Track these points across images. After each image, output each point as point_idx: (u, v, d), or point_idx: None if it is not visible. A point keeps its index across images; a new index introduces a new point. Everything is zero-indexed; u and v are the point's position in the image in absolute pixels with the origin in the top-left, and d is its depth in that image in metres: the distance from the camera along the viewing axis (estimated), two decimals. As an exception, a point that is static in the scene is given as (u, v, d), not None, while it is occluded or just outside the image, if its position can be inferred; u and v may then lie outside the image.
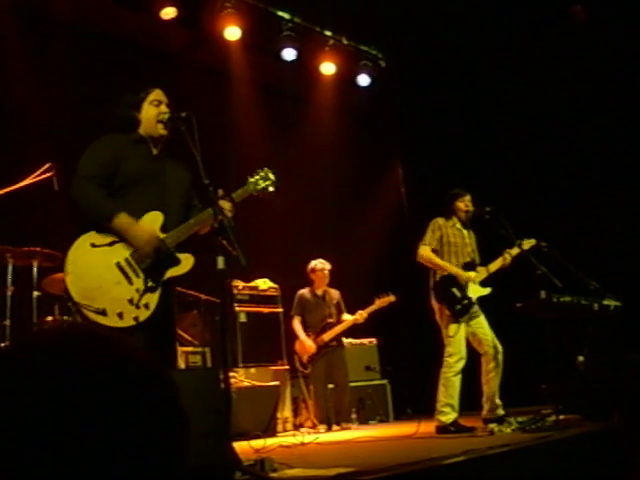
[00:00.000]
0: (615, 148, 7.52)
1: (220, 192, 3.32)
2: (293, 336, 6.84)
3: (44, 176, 4.66)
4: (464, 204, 5.40)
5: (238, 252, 3.08)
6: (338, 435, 5.83)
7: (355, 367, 7.29)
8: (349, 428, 6.45)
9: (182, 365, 5.92)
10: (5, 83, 5.88)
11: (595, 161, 7.55)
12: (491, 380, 5.11)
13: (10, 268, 4.86)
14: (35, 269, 4.95)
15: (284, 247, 7.59)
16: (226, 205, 3.34)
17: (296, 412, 6.73)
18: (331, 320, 6.75)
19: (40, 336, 0.74)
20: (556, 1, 7.58)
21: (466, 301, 5.14)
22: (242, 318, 6.65)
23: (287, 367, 6.78)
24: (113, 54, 6.81)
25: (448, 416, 4.97)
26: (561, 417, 4.56)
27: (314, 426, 6.45)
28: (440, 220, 5.39)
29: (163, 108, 3.47)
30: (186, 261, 3.35)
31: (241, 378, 6.28)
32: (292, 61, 7.85)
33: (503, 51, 8.04)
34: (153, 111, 3.46)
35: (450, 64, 8.31)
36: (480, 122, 8.37)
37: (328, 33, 8.22)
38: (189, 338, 6.34)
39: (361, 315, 6.72)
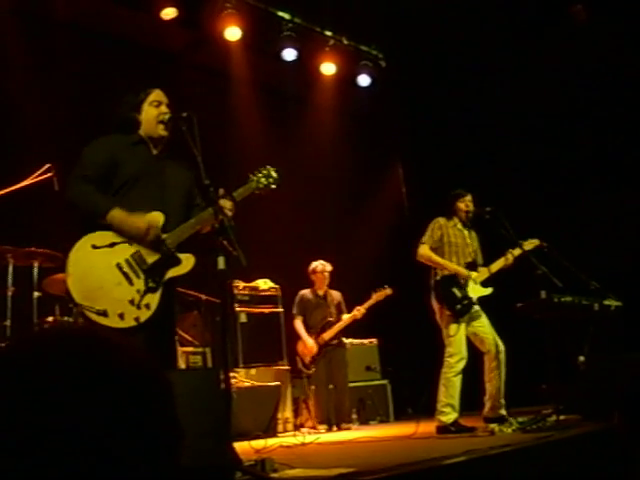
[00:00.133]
0: (615, 148, 7.52)
1: (221, 191, 3.32)
2: (294, 336, 6.84)
3: (44, 177, 4.66)
4: (465, 204, 5.40)
5: (239, 252, 3.08)
6: (339, 435, 5.83)
7: (355, 367, 7.29)
8: (349, 428, 6.45)
9: (183, 365, 5.92)
10: (5, 83, 5.88)
11: (595, 161, 7.54)
12: (494, 379, 5.10)
13: (10, 268, 4.86)
14: (35, 269, 4.95)
15: (284, 247, 7.59)
16: (227, 204, 3.34)
17: (297, 412, 6.73)
18: (331, 319, 6.75)
19: (38, 338, 0.74)
20: (556, 1, 7.58)
21: (466, 301, 5.13)
22: (243, 318, 6.65)
23: (288, 367, 6.77)
24: (113, 54, 6.81)
25: (449, 416, 4.97)
26: (562, 417, 4.56)
27: (314, 426, 6.45)
28: (441, 220, 5.39)
29: (163, 109, 3.47)
30: (187, 261, 3.35)
31: (242, 378, 6.28)
32: (292, 61, 7.85)
33: (503, 51, 8.03)
34: (153, 112, 3.46)
35: (450, 64, 8.31)
36: (480, 122, 8.37)
37: (328, 33, 8.22)
38: (190, 338, 6.34)
39: (359, 311, 6.72)
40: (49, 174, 4.66)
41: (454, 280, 5.21)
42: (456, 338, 5.06)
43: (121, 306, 3.13)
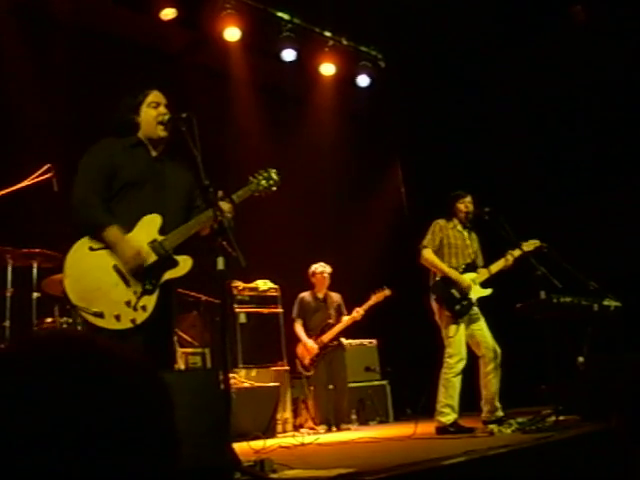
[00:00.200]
0: (615, 148, 7.52)
1: (220, 193, 3.31)
2: (294, 338, 6.84)
3: (43, 177, 4.66)
4: (464, 205, 5.39)
5: (238, 253, 3.08)
6: (338, 436, 5.83)
7: (355, 368, 7.29)
8: (349, 429, 6.45)
9: (182, 366, 5.92)
10: (5, 83, 5.88)
11: (595, 161, 7.54)
12: (489, 383, 5.10)
13: (10, 269, 4.86)
14: (35, 270, 4.95)
15: (284, 248, 7.58)
16: (225, 206, 3.33)
17: (296, 413, 6.73)
18: (330, 321, 6.75)
19: (35, 342, 0.74)
20: (556, 1, 7.58)
21: (465, 302, 5.13)
22: (242, 319, 6.65)
23: (287, 368, 6.77)
24: (113, 55, 6.81)
25: (448, 417, 4.97)
26: (561, 418, 4.56)
27: (314, 427, 6.44)
28: (441, 221, 5.39)
29: (162, 109, 3.47)
30: (184, 263, 3.34)
31: (241, 379, 6.28)
32: (292, 62, 7.84)
33: (503, 51, 8.04)
34: (152, 113, 3.46)
35: (450, 64, 8.31)
36: (480, 122, 8.37)
37: (328, 34, 8.22)
38: (189, 339, 6.34)
39: (358, 312, 6.72)
40: (49, 174, 4.66)
41: (453, 280, 5.20)
42: (455, 339, 5.06)
43: (117, 308, 3.14)
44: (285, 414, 6.55)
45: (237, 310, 6.62)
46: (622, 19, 7.21)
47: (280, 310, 6.97)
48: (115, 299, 3.15)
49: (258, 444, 4.65)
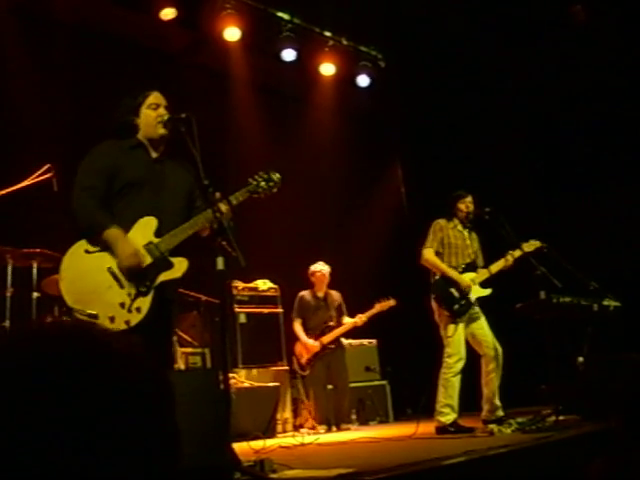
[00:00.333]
0: (615, 148, 7.52)
1: (217, 195, 3.30)
2: (293, 337, 6.83)
3: (43, 177, 4.66)
4: (465, 205, 5.40)
5: (238, 253, 3.08)
6: (338, 436, 5.83)
7: (355, 368, 7.28)
8: (349, 429, 6.45)
9: (182, 366, 5.92)
10: (5, 83, 5.88)
11: (595, 161, 7.54)
12: (490, 381, 5.10)
13: (10, 269, 4.86)
14: (35, 270, 4.95)
15: (284, 247, 7.58)
16: (223, 208, 3.32)
17: (296, 413, 6.73)
18: (331, 323, 6.74)
19: (33, 335, 0.74)
20: (556, 1, 7.58)
21: (464, 301, 5.13)
22: (242, 319, 6.65)
23: (287, 368, 6.77)
24: (113, 54, 6.81)
25: (448, 417, 4.97)
26: (561, 418, 4.56)
27: (314, 427, 6.44)
28: (441, 221, 5.39)
29: (161, 111, 3.46)
30: (179, 265, 3.34)
31: (241, 379, 6.28)
32: (292, 62, 7.84)
33: (503, 51, 8.03)
34: (151, 114, 3.45)
35: (450, 64, 8.31)
36: (480, 122, 8.37)
37: (328, 34, 8.22)
38: (189, 339, 6.34)
39: (360, 319, 6.71)
40: (48, 174, 4.65)
41: (453, 280, 5.21)
42: (454, 339, 5.06)
43: (112, 309, 3.15)
44: (285, 414, 6.55)
45: (237, 310, 6.62)
46: (622, 19, 7.20)
47: (280, 310, 6.97)
48: (109, 301, 3.16)
49: (258, 444, 4.66)
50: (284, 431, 6.39)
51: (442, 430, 4.96)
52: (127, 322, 3.15)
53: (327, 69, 8.33)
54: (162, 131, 3.44)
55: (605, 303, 5.27)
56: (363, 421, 7.11)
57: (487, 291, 5.24)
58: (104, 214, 3.26)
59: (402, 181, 9.44)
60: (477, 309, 5.22)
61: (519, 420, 4.78)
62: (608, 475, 1.54)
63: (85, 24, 6.71)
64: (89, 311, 3.12)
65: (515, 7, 7.54)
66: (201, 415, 2.85)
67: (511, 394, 5.32)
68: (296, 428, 6.53)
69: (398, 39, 8.18)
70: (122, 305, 3.17)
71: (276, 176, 3.61)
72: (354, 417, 6.95)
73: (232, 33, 7.34)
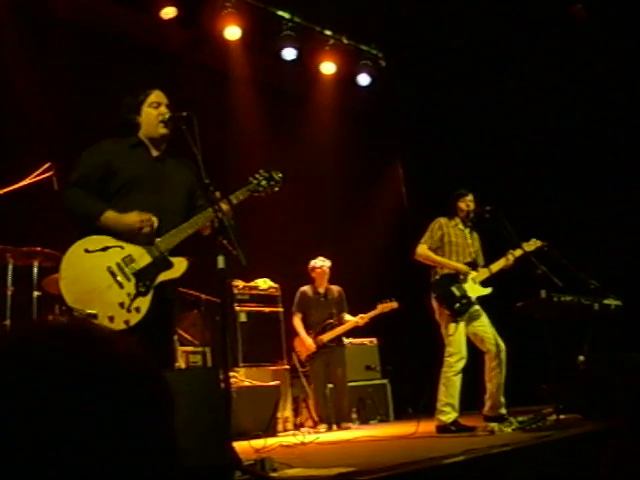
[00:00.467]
0: (615, 148, 7.52)
1: (217, 194, 3.29)
2: (293, 333, 6.83)
3: (44, 176, 4.66)
4: (465, 204, 5.40)
5: (238, 252, 3.08)
6: (338, 435, 5.83)
7: (355, 366, 7.29)
8: (349, 428, 6.45)
9: (183, 365, 5.92)
10: (5, 82, 5.88)
11: (595, 161, 7.54)
12: (494, 377, 5.11)
13: (10, 268, 4.86)
14: (35, 269, 4.95)
15: (284, 247, 7.58)
16: (223, 207, 3.31)
17: (296, 412, 6.73)
18: (332, 321, 6.74)
19: (35, 336, 0.74)
20: (557, 1, 7.57)
21: (465, 300, 5.13)
22: (242, 318, 6.65)
23: (287, 367, 6.77)
24: (113, 53, 6.80)
25: (448, 415, 4.97)
26: (561, 417, 4.56)
27: (314, 426, 6.44)
28: (442, 220, 5.39)
29: (162, 109, 3.46)
30: (179, 265, 3.33)
31: (241, 378, 6.27)
32: (292, 61, 7.85)
33: (503, 50, 8.03)
34: (152, 113, 3.45)
35: (450, 63, 8.30)
36: (480, 121, 8.37)
37: (328, 32, 8.22)
38: (189, 338, 6.34)
39: (362, 319, 6.71)
40: (49, 173, 4.65)
41: (453, 279, 5.21)
42: (455, 337, 5.06)
43: (111, 309, 3.15)
44: (285, 413, 6.55)
45: (237, 309, 6.62)
46: (622, 18, 7.20)
47: (280, 309, 6.97)
48: (108, 301, 3.16)
49: (258, 443, 4.65)
50: (285, 430, 6.39)
51: (443, 429, 4.96)
52: (126, 322, 3.14)
53: (327, 68, 8.33)
54: (163, 131, 3.44)
55: (606, 302, 5.27)
56: (364, 420, 7.11)
57: (487, 290, 5.24)
58: (95, 201, 3.27)
59: (402, 180, 9.44)
60: (477, 307, 5.22)
61: (520, 419, 4.78)
62: (617, 470, 1.54)
63: (85, 23, 6.71)
64: (88, 311, 3.12)
65: (515, 6, 7.53)
66: (201, 414, 2.85)
67: (512, 393, 5.32)
68: (297, 427, 6.54)
69: (399, 38, 8.17)
70: (121, 305, 3.17)
71: (278, 175, 3.60)
72: (355, 416, 6.95)
73: (232, 32, 7.34)
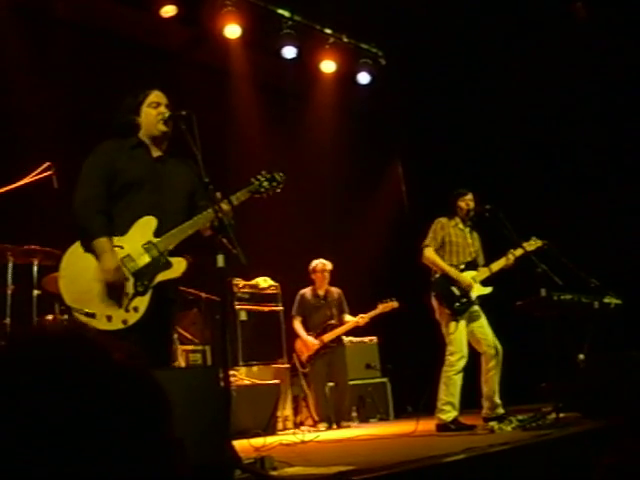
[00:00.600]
0: (615, 147, 7.51)
1: (218, 195, 3.29)
2: (294, 334, 6.83)
3: (43, 175, 4.65)
4: (465, 203, 5.39)
5: (238, 250, 3.08)
6: (338, 433, 5.83)
7: (355, 365, 7.29)
8: (349, 426, 6.46)
9: (182, 363, 5.93)
10: (5, 82, 5.87)
11: (595, 160, 7.53)
12: (490, 379, 5.11)
13: (10, 266, 4.86)
14: (35, 267, 4.95)
15: (284, 245, 7.58)
16: (224, 207, 3.30)
17: (296, 410, 6.74)
18: (332, 322, 6.74)
19: (35, 343, 0.74)
20: (557, 0, 7.56)
21: (465, 299, 5.13)
22: (242, 316, 6.65)
23: (287, 365, 6.78)
24: (113, 52, 6.80)
25: (449, 414, 4.97)
26: (561, 415, 4.56)
27: (314, 424, 6.45)
28: (443, 220, 5.39)
29: (162, 109, 3.45)
30: (178, 265, 3.33)
31: (241, 376, 6.28)
32: (292, 59, 7.84)
33: (504, 49, 8.02)
34: (152, 112, 3.45)
35: (451, 62, 8.30)
36: (480, 120, 8.36)
37: (328, 31, 8.21)
38: (189, 336, 6.35)
39: (362, 319, 6.71)
40: (49, 172, 4.65)
41: (454, 279, 5.20)
42: (456, 336, 5.06)
43: (109, 309, 3.15)
44: (285, 411, 6.55)
45: (237, 308, 6.62)
46: (623, 16, 7.19)
47: (280, 308, 6.97)
48: (107, 300, 3.16)
49: (258, 441, 4.66)
50: (284, 428, 6.39)
51: (443, 428, 4.96)
52: (124, 321, 3.15)
53: (328, 66, 8.33)
54: (163, 127, 3.43)
55: (606, 301, 5.27)
56: (363, 419, 7.11)
57: (488, 289, 5.24)
58: (101, 222, 3.24)
59: (403, 178, 9.43)
60: (477, 308, 5.22)
61: (519, 417, 4.78)
62: (617, 471, 1.54)
63: (85, 22, 6.70)
64: (87, 310, 3.12)
65: (516, 4, 7.52)
66: (201, 412, 2.85)
67: (512, 391, 5.32)
68: (296, 425, 6.54)
69: (399, 36, 8.16)
70: (120, 304, 3.17)
71: (280, 176, 3.59)
72: (354, 415, 6.95)
73: (232, 30, 7.33)
